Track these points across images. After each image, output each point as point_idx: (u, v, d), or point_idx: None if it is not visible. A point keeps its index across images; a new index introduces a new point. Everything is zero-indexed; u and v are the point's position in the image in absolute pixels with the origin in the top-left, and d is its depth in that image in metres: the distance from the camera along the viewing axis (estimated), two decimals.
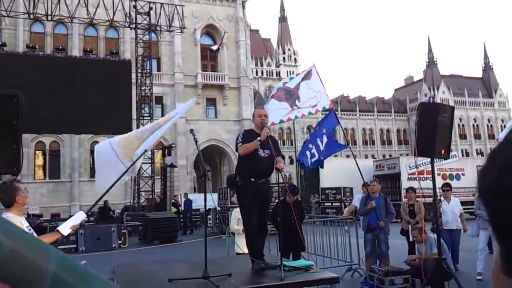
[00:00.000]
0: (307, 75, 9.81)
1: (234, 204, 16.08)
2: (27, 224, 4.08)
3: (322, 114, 54.46)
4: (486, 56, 76.11)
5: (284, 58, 66.04)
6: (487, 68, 74.87)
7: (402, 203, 10.60)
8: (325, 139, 10.04)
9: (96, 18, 27.25)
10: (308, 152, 10.28)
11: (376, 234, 8.49)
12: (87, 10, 27.02)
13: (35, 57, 20.88)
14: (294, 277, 4.61)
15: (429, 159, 6.61)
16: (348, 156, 38.70)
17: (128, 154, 5.14)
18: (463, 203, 11.18)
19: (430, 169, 6.74)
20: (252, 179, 5.10)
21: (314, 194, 27.72)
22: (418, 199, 9.52)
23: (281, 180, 5.39)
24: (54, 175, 34.65)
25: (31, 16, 26.26)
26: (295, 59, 66.74)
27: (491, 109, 69.24)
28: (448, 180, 23.17)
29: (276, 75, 63.76)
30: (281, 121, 10.13)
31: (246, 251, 5.58)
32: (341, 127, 10.09)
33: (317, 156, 10.12)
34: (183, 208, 23.41)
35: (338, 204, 24.16)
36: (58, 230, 4.20)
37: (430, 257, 7.13)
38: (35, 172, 34.40)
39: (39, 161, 35.07)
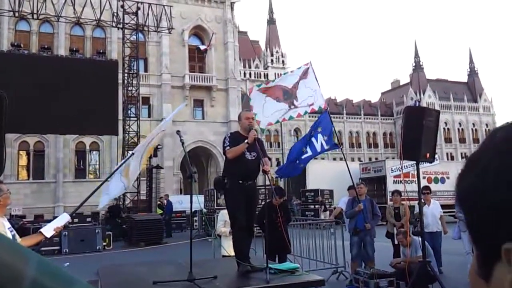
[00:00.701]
0: (304, 74, 9.53)
1: (220, 206, 16.05)
2: (9, 225, 4.01)
3: (309, 116, 54.47)
4: (471, 61, 77.08)
5: (272, 60, 66.13)
6: (472, 73, 75.83)
7: (388, 206, 10.67)
8: (320, 138, 9.64)
9: (83, 17, 26.95)
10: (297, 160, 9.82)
11: (362, 237, 8.52)
12: (74, 9, 26.73)
13: (20, 56, 20.61)
14: (280, 279, 4.61)
15: (411, 162, 6.66)
16: (334, 159, 38.92)
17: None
18: (448, 206, 11.34)
19: (414, 172, 6.80)
20: (240, 181, 5.12)
21: (296, 196, 27.72)
22: (403, 202, 9.58)
23: (267, 183, 5.41)
24: (38, 176, 34.18)
25: (16, 14, 25.91)
26: (283, 61, 66.86)
27: (476, 113, 70.11)
28: (433, 183, 23.46)
29: (264, 77, 63.81)
30: (277, 122, 9.95)
31: (232, 253, 5.57)
32: (334, 129, 9.88)
33: (309, 153, 9.68)
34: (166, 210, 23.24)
35: (319, 206, 23.96)
36: (41, 232, 4.14)
37: (415, 260, 7.19)
38: (18, 173, 33.89)
39: (23, 161, 34.57)
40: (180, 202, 24.11)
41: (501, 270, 0.53)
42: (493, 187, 0.53)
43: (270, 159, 5.37)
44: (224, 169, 5.41)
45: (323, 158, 36.00)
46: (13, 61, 18.40)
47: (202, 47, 37.13)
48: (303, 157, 9.71)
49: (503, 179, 0.52)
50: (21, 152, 34.29)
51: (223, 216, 6.96)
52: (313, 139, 9.64)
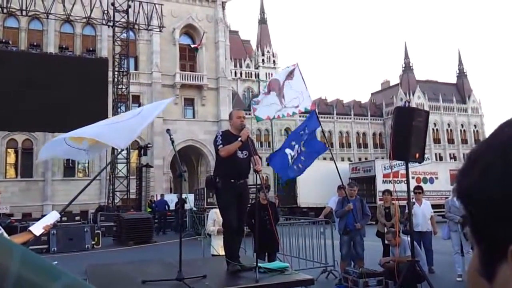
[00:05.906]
0: (290, 75, 9.39)
1: (210, 205, 16.01)
2: None
3: (300, 116, 54.42)
4: (460, 63, 77.71)
5: (263, 60, 66.14)
6: (461, 74, 76.45)
7: (378, 206, 10.70)
8: (302, 146, 9.39)
9: (73, 14, 26.74)
10: (287, 160, 9.47)
11: (352, 236, 8.55)
12: (64, 6, 26.52)
13: (8, 52, 20.38)
14: (269, 279, 4.61)
15: (400, 162, 6.70)
16: (324, 159, 38.99)
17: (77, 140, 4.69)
18: (436, 206, 11.39)
19: (404, 171, 6.84)
20: (232, 180, 5.10)
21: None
22: (394, 201, 9.62)
23: (259, 182, 5.40)
24: (27, 174, 33.83)
25: (5, 11, 25.62)
26: (274, 61, 66.93)
27: (465, 114, 70.71)
28: (421, 184, 23.62)
29: (255, 77, 63.88)
30: (274, 118, 9.82)
31: (222, 252, 5.55)
32: (322, 129, 9.77)
33: (301, 166, 9.39)
34: (156, 208, 23.15)
35: None
36: (30, 230, 4.09)
37: (403, 259, 7.23)
38: (6, 171, 33.56)
39: (11, 159, 34.21)
40: (170, 201, 24.02)
41: (506, 270, 0.51)
42: (500, 183, 0.51)
43: (260, 158, 5.35)
44: (216, 168, 5.37)
45: None
46: (1, 58, 18.19)
47: (194, 45, 37.08)
48: (297, 158, 9.36)
49: (511, 175, 0.50)
50: (9, 150, 33.93)
51: (213, 215, 6.94)
52: (297, 147, 9.29)
